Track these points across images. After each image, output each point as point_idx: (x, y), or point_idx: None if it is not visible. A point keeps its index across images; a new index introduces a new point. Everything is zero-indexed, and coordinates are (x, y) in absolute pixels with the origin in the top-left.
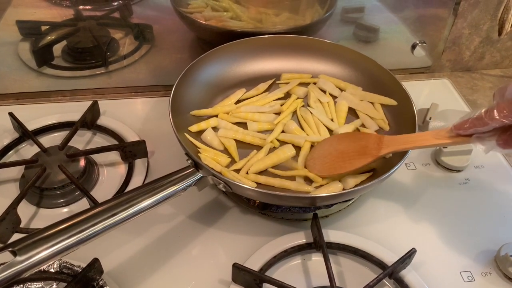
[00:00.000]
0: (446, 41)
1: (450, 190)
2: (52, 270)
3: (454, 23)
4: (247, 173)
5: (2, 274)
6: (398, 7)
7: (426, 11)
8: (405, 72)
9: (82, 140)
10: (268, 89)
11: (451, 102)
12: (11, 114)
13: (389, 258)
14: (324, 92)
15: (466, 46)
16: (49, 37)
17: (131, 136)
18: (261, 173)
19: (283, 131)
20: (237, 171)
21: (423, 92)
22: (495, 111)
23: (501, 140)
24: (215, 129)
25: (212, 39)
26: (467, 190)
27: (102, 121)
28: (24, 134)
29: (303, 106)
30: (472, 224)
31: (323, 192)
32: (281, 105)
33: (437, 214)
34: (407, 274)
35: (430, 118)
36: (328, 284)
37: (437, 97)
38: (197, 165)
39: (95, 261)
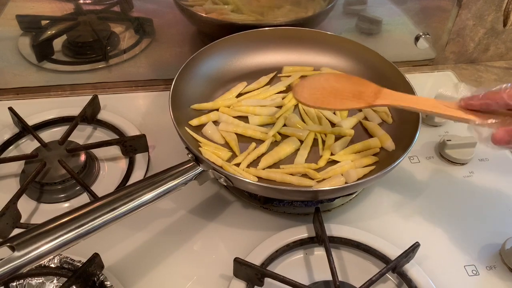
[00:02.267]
0: (450, 32)
1: (454, 184)
2: (52, 265)
3: (458, 14)
4: (248, 166)
5: (0, 270)
6: None
7: (430, 2)
8: (408, 64)
9: (82, 135)
10: (269, 83)
11: (454, 95)
12: (11, 109)
13: (392, 252)
14: None
15: (470, 38)
16: (49, 32)
17: (131, 131)
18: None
19: (284, 125)
20: (238, 165)
21: (426, 85)
22: None
23: (498, 133)
24: (216, 123)
25: (213, 32)
26: (472, 183)
27: (103, 115)
28: (24, 129)
29: None
30: (477, 217)
31: (325, 186)
32: (282, 99)
33: (441, 207)
34: (411, 268)
35: None
36: (330, 278)
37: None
38: (197, 159)
39: (96, 256)
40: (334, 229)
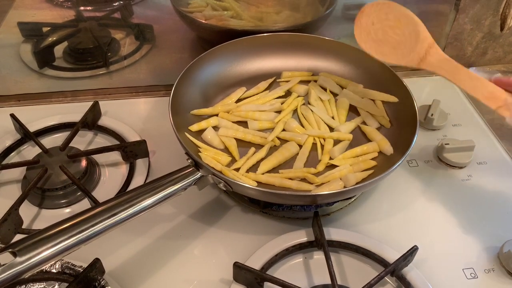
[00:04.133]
0: (447, 37)
1: (453, 187)
2: (54, 271)
3: (456, 19)
4: (247, 171)
5: (2, 275)
6: (399, 3)
7: (427, 7)
8: (406, 68)
9: (83, 141)
10: (268, 88)
11: (453, 99)
12: (12, 115)
13: (391, 256)
14: (325, 89)
15: (468, 42)
16: (50, 38)
17: (132, 136)
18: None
19: (284, 130)
20: (238, 170)
21: (424, 89)
22: None
23: None
24: (215, 128)
25: (213, 38)
26: (470, 187)
27: (103, 121)
28: (26, 135)
29: (303, 104)
30: (475, 220)
31: (324, 190)
32: (281, 104)
33: (439, 211)
34: (409, 271)
35: (432, 115)
36: (329, 282)
37: (439, 94)
38: (197, 165)
39: (97, 261)
40: (333, 233)
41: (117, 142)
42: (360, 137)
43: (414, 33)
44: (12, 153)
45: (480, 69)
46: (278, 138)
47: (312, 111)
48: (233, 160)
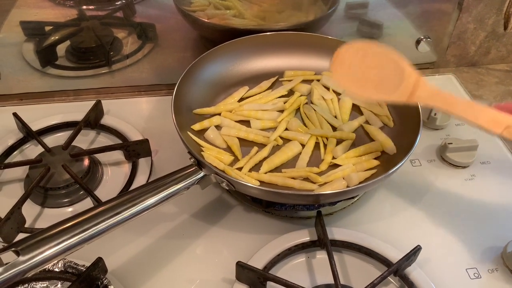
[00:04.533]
0: (451, 36)
1: (456, 187)
2: (56, 270)
3: (459, 18)
4: (250, 170)
5: (5, 274)
6: (402, 2)
7: (431, 6)
8: None
9: (85, 140)
10: (271, 87)
11: None
12: (15, 114)
13: (394, 256)
14: (328, 89)
15: (471, 41)
16: (52, 37)
17: (134, 135)
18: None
19: (286, 129)
20: (240, 169)
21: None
22: None
23: None
24: (218, 127)
25: (215, 37)
26: (473, 186)
27: (106, 120)
28: (28, 134)
29: (306, 103)
30: (478, 220)
31: (327, 190)
32: (284, 103)
33: (443, 210)
34: (413, 271)
35: (435, 114)
36: (332, 282)
37: None
38: (200, 164)
39: (99, 260)
40: (336, 232)
41: (120, 141)
42: (363, 136)
43: (398, 70)
44: (15, 152)
45: (483, 69)
46: (281, 138)
47: (315, 110)
48: (236, 159)
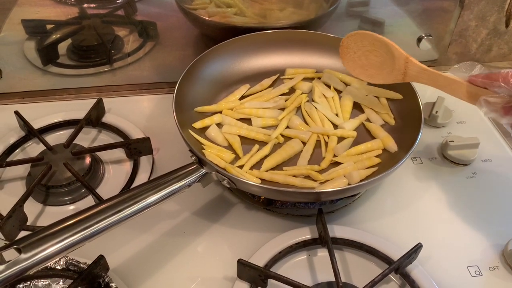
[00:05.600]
0: (452, 33)
1: (457, 184)
2: (58, 267)
3: (461, 15)
4: (251, 168)
5: (7, 272)
6: (404, 0)
7: (432, 4)
8: None
9: (87, 138)
10: (272, 85)
11: None
12: (16, 112)
13: (395, 253)
14: (329, 86)
15: (473, 39)
16: (54, 36)
17: (136, 133)
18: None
19: (287, 127)
20: (241, 167)
21: (429, 86)
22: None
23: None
24: (219, 125)
25: (216, 35)
26: (474, 184)
27: (107, 118)
28: (30, 133)
29: (307, 101)
30: (479, 218)
31: (328, 188)
32: (285, 101)
33: (444, 208)
34: (414, 269)
35: (436, 112)
36: (333, 279)
37: None
38: (201, 162)
39: (101, 258)
40: (337, 230)
41: (121, 139)
42: (364, 134)
43: (389, 53)
44: (17, 150)
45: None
46: (282, 135)
47: (316, 108)
48: (237, 157)
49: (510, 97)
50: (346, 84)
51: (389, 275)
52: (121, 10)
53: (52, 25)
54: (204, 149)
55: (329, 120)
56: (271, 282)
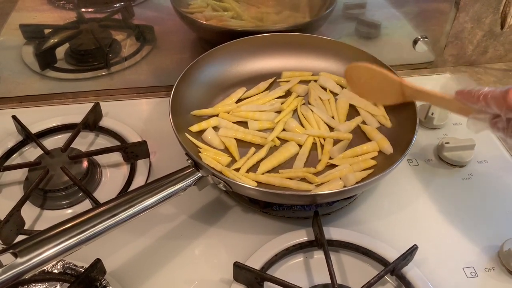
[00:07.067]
0: (448, 35)
1: (453, 186)
2: (55, 271)
3: (456, 17)
4: (247, 171)
5: (3, 276)
6: (400, 2)
7: (428, 6)
8: (407, 67)
9: (84, 142)
10: (268, 88)
11: None
12: (14, 117)
13: (391, 255)
14: (325, 89)
15: (468, 40)
16: (52, 40)
17: (133, 137)
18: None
19: (284, 130)
20: (238, 170)
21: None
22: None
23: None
24: (215, 128)
25: (213, 39)
26: (470, 185)
27: (104, 122)
28: (28, 137)
29: (303, 104)
30: (475, 219)
31: (324, 190)
32: (281, 104)
33: (440, 210)
34: (409, 270)
35: (432, 114)
36: (329, 281)
37: None
38: (197, 165)
39: (98, 261)
40: (333, 232)
41: (118, 143)
42: (360, 136)
43: (385, 79)
44: (14, 155)
45: (481, 68)
46: (278, 138)
47: (312, 111)
48: (233, 161)
49: (493, 114)
50: (342, 87)
51: (385, 276)
52: (118, 14)
53: (50, 30)
54: (200, 152)
55: (325, 123)
56: (267, 284)
